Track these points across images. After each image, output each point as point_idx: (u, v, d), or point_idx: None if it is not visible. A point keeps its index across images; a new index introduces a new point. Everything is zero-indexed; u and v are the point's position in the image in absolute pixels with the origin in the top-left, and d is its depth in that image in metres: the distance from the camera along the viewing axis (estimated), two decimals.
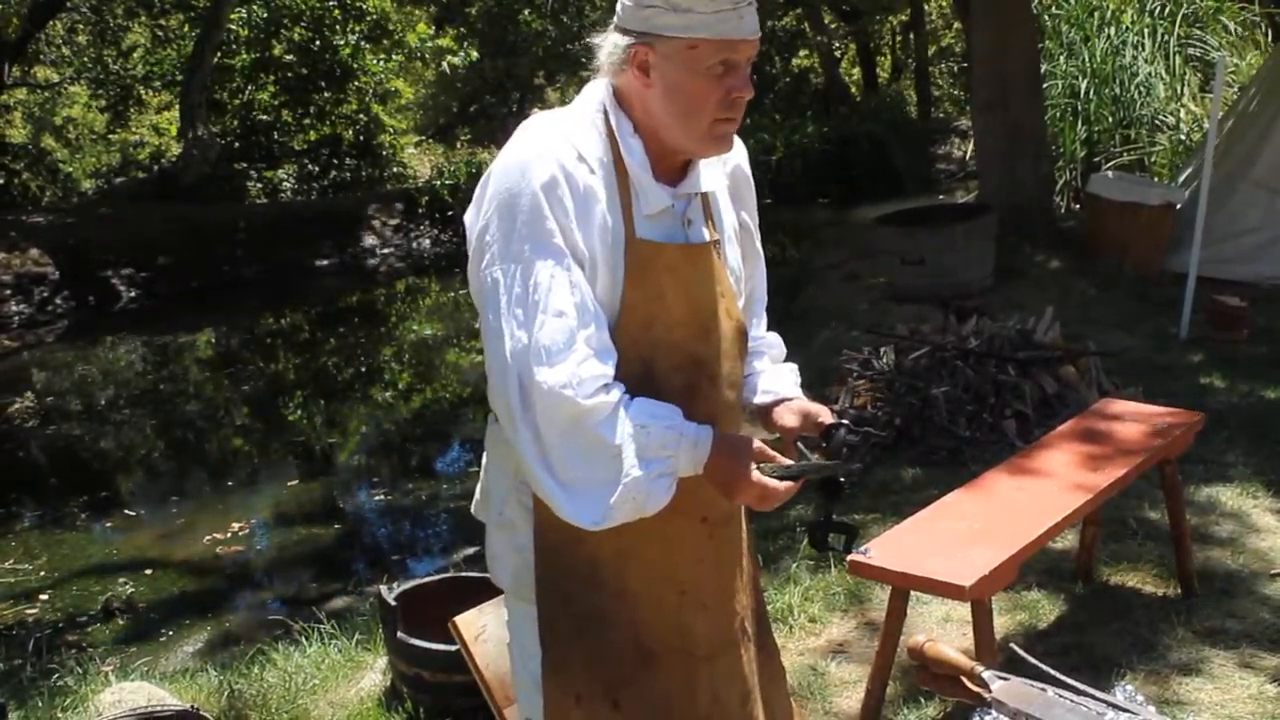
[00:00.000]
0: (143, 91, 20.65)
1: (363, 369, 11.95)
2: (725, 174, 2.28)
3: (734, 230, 2.30)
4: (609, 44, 2.11)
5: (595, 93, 2.16)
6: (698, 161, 2.19)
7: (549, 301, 1.97)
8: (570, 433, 1.97)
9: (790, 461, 2.12)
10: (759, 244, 2.40)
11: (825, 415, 2.21)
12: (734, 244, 2.30)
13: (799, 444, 2.20)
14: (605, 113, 2.13)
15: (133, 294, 14.82)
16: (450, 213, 17.07)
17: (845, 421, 2.16)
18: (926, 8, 23.89)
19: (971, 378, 6.36)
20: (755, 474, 2.04)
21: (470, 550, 6.08)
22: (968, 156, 19.12)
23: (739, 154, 2.30)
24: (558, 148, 2.04)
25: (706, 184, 2.21)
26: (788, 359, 2.46)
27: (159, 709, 3.68)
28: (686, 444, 2.02)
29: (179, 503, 8.00)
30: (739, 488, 2.06)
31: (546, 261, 1.99)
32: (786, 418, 2.25)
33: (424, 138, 23.97)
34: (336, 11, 18.99)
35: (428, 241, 17.31)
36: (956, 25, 22.44)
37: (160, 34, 19.83)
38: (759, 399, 2.34)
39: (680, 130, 2.09)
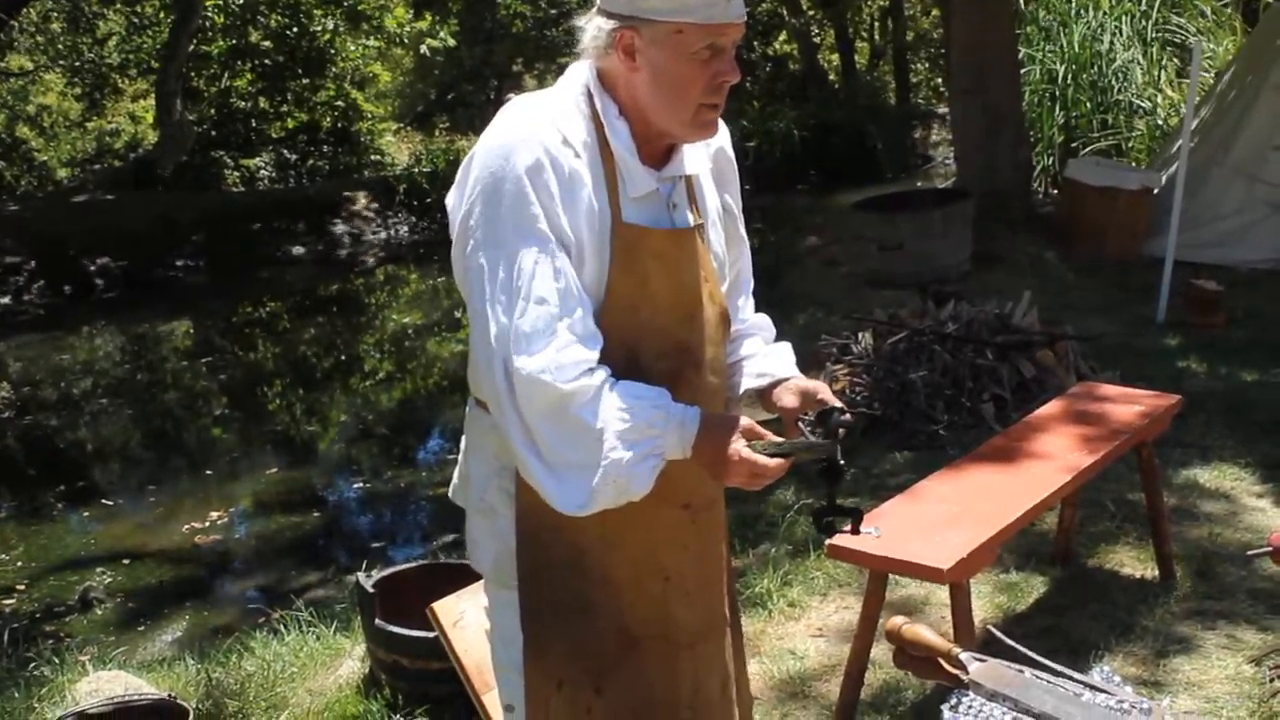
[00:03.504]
0: (119, 79, 20.46)
1: (341, 357, 11.90)
2: (709, 157, 2.27)
3: (718, 213, 2.29)
4: (592, 27, 2.09)
5: (578, 75, 2.14)
6: (682, 145, 2.17)
7: (531, 288, 1.96)
8: (553, 417, 1.96)
9: (781, 440, 2.07)
10: (742, 228, 2.39)
11: (824, 391, 2.18)
12: (718, 228, 2.28)
13: (800, 424, 2.17)
14: (589, 95, 2.11)
15: (109, 283, 14.72)
16: (429, 200, 16.99)
17: (840, 405, 2.13)
18: None
19: (949, 362, 6.38)
20: (746, 450, 2.00)
21: (449, 537, 6.07)
22: (946, 142, 19.18)
23: (722, 137, 2.28)
24: (542, 131, 2.02)
25: (690, 167, 2.20)
26: None
27: (136, 698, 3.67)
28: (674, 423, 2.00)
29: (157, 492, 7.95)
30: (728, 467, 2.01)
31: (530, 247, 1.98)
32: (785, 398, 2.22)
33: (402, 125, 23.86)
34: None
35: (406, 229, 17.24)
36: (935, 11, 22.43)
37: (136, 21, 19.64)
38: (755, 383, 2.31)
39: (667, 114, 2.07)
